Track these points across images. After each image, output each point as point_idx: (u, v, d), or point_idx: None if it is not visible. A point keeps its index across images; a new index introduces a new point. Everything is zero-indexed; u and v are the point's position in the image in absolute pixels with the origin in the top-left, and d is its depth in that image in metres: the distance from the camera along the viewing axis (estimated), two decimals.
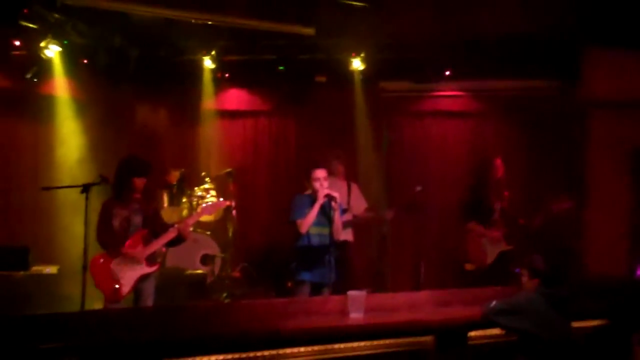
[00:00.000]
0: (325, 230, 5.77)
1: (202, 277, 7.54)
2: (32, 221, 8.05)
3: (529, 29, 7.30)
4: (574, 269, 6.96)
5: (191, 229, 7.69)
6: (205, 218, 7.42)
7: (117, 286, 5.52)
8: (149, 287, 5.75)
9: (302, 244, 5.82)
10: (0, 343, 3.58)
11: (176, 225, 5.74)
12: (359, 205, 7.28)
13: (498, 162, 7.27)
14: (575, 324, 4.59)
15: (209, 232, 8.13)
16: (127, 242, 5.62)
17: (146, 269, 5.65)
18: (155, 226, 5.76)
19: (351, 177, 7.66)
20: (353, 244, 7.25)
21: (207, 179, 8.28)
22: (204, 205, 6.32)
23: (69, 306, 6.20)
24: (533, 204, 7.31)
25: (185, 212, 8.02)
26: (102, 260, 5.60)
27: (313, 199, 5.81)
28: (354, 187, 7.32)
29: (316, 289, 5.78)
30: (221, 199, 6.36)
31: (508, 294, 4.56)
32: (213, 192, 8.14)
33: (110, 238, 5.62)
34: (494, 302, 4.32)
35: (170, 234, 5.69)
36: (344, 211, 6.55)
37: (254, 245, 8.83)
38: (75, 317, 4.23)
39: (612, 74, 7.42)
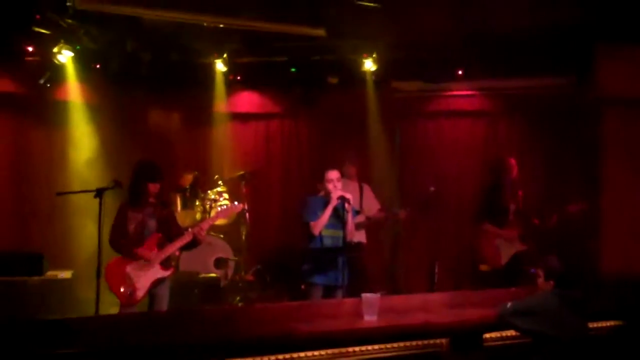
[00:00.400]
0: (338, 232, 5.79)
1: (216, 280, 7.55)
2: (46, 226, 8.09)
3: (541, 25, 7.23)
4: (590, 270, 6.90)
5: (212, 233, 7.79)
6: (219, 221, 7.43)
7: (131, 290, 5.55)
8: (164, 291, 5.76)
9: (315, 246, 5.83)
10: (15, 348, 3.59)
11: (190, 230, 5.76)
12: (372, 206, 7.28)
13: (512, 161, 7.23)
14: (591, 325, 4.57)
15: (222, 236, 8.13)
16: (142, 246, 5.65)
17: (161, 273, 5.66)
18: (170, 230, 5.78)
19: (364, 178, 7.65)
20: (366, 245, 7.24)
21: (220, 182, 8.29)
22: (218, 209, 6.32)
23: (84, 311, 6.22)
24: (548, 203, 7.26)
25: (198, 216, 8.03)
26: (117, 264, 5.63)
27: (326, 201, 5.82)
28: (366, 188, 7.32)
29: (329, 292, 5.80)
30: (235, 203, 6.36)
31: (523, 295, 4.54)
32: (226, 195, 8.14)
33: (124, 242, 5.65)
34: (509, 304, 4.29)
35: (185, 238, 5.70)
36: (356, 213, 6.55)
37: (267, 248, 8.80)
38: (89, 321, 4.23)
39: (627, 70, 7.33)
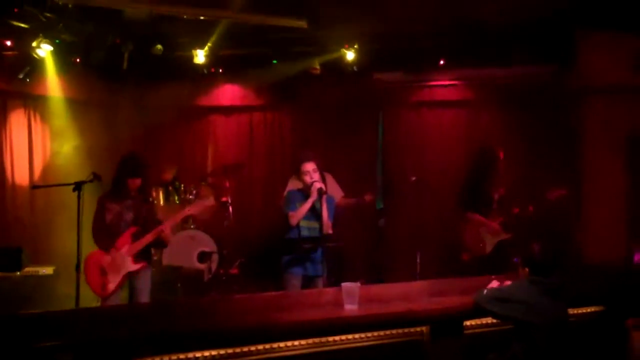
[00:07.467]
0: (314, 224, 5.86)
1: (200, 274, 7.53)
2: (27, 222, 8.02)
3: (523, 14, 7.24)
4: (571, 256, 6.94)
5: (192, 226, 7.77)
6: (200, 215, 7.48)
7: (104, 283, 5.63)
8: (143, 284, 5.82)
9: (293, 237, 5.88)
10: None
11: (156, 229, 5.77)
12: (336, 194, 7.27)
13: (499, 151, 7.25)
14: (572, 311, 4.58)
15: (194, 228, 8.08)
16: (119, 239, 5.71)
17: (132, 267, 5.72)
18: (146, 225, 5.82)
19: (348, 169, 7.64)
20: (335, 235, 7.24)
21: (202, 182, 8.29)
22: (189, 206, 6.38)
23: (65, 306, 6.19)
24: (529, 192, 7.29)
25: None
26: (94, 257, 5.71)
27: (304, 194, 5.87)
28: (329, 177, 7.30)
29: (308, 282, 5.84)
30: (211, 198, 6.40)
31: (502, 282, 4.55)
32: (208, 190, 8.12)
33: (103, 234, 5.73)
34: (485, 290, 4.32)
35: (148, 238, 5.75)
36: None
37: (251, 240, 8.80)
38: (68, 314, 4.21)
39: (607, 58, 7.38)
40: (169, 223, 5.90)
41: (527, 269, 4.21)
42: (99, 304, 5.72)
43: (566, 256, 6.32)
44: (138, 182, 5.82)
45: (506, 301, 4.13)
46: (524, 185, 7.64)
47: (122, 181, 5.79)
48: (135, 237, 5.75)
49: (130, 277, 5.76)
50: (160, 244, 5.98)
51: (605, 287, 5.09)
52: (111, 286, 5.64)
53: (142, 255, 5.79)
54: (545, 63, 8.17)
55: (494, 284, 4.51)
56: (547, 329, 4.02)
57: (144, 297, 5.77)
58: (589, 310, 4.93)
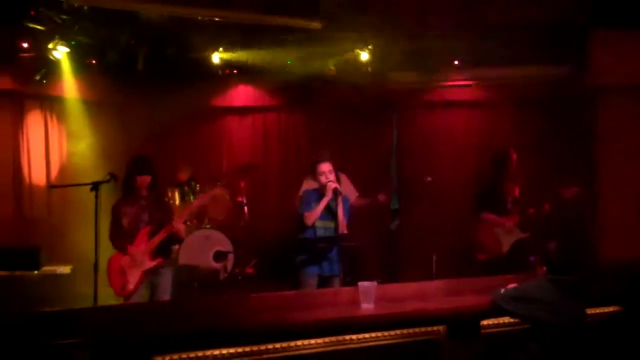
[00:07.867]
0: (330, 224, 5.88)
1: (215, 273, 7.54)
2: (45, 221, 8.07)
3: (538, 14, 7.23)
4: (587, 255, 6.90)
5: (208, 225, 7.80)
6: (216, 215, 7.46)
7: (124, 283, 5.70)
8: (164, 282, 5.88)
9: (309, 237, 5.89)
10: (12, 340, 3.59)
11: (168, 226, 5.81)
12: (350, 194, 7.28)
13: (513, 153, 7.24)
14: (590, 311, 4.55)
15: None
16: (135, 239, 5.76)
17: (148, 264, 5.75)
18: (162, 223, 5.84)
19: (363, 169, 7.62)
20: (350, 235, 7.26)
21: (218, 178, 8.32)
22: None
23: (83, 305, 6.20)
24: (545, 191, 7.27)
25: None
26: (115, 258, 5.77)
27: (320, 194, 5.87)
28: (344, 178, 7.33)
29: (324, 282, 5.85)
30: (216, 188, 6.51)
31: (520, 282, 4.53)
32: (223, 190, 8.14)
33: (120, 238, 5.78)
34: (502, 289, 4.30)
35: (161, 235, 5.78)
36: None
37: (266, 240, 8.82)
38: (86, 312, 4.23)
39: (622, 57, 7.35)
40: (179, 218, 5.94)
41: (544, 268, 4.19)
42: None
43: (583, 255, 6.31)
44: (147, 179, 5.85)
45: (524, 300, 4.11)
46: (540, 184, 7.62)
47: (131, 180, 5.83)
48: (150, 236, 5.79)
49: (151, 275, 5.80)
50: (175, 240, 6.00)
51: (624, 286, 5.06)
52: (130, 286, 5.68)
53: (159, 252, 5.81)
54: (560, 63, 8.13)
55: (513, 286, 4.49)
56: (565, 328, 4.00)
57: (165, 295, 5.82)
58: (606, 310, 4.90)
